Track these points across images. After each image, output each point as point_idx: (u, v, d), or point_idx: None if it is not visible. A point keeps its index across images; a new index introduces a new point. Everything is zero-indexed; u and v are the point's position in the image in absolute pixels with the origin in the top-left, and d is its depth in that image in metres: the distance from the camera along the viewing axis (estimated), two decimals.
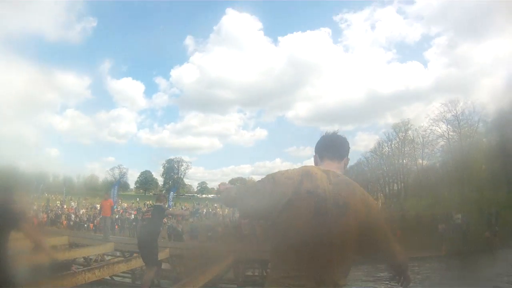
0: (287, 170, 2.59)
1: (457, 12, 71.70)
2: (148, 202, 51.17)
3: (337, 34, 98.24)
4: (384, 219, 2.70)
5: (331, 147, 2.82)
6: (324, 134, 2.92)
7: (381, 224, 2.57)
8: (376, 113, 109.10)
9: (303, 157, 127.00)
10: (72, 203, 46.52)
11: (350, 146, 2.95)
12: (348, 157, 2.89)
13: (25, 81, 68.53)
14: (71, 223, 31.11)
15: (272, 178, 2.51)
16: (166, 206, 43.85)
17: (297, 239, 2.28)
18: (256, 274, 14.37)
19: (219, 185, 3.19)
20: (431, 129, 66.99)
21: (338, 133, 2.89)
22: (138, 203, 49.84)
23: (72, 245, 13.89)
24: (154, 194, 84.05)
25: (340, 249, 2.30)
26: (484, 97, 61.76)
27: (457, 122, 62.71)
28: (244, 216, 2.79)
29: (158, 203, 6.71)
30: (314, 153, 2.97)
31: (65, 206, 39.22)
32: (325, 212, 2.30)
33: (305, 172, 2.48)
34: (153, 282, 6.85)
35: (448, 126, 64.09)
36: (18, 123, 78.60)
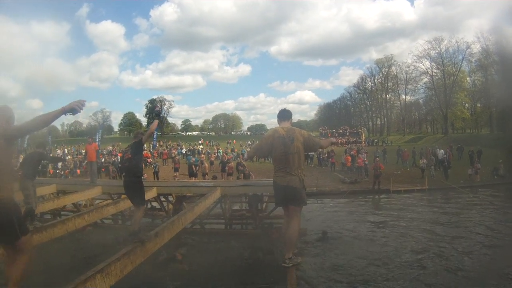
0: (267, 133, 6.15)
1: None
2: None
3: None
4: (308, 134, 5.95)
5: (283, 115, 5.96)
6: (280, 110, 6.05)
7: (309, 137, 5.83)
8: (360, 48, 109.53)
9: (287, 91, 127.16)
10: (58, 151, 46.34)
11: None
12: (292, 119, 6.04)
13: (3, 35, 66.65)
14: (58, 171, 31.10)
15: (264, 138, 5.91)
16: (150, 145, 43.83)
17: (278, 155, 5.57)
18: (243, 208, 14.70)
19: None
20: (414, 66, 68.06)
21: (286, 108, 6.12)
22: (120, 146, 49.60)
23: (61, 193, 13.99)
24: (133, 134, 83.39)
25: (297, 155, 5.55)
26: (469, 37, 61.83)
27: (441, 59, 63.33)
28: (259, 157, 8.16)
29: (134, 141, 6.71)
30: (276, 118, 6.10)
31: (51, 155, 39.04)
32: (286, 142, 5.54)
33: (274, 130, 5.79)
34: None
35: (432, 63, 64.96)
36: None
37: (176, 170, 29.35)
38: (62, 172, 30.64)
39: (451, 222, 15.38)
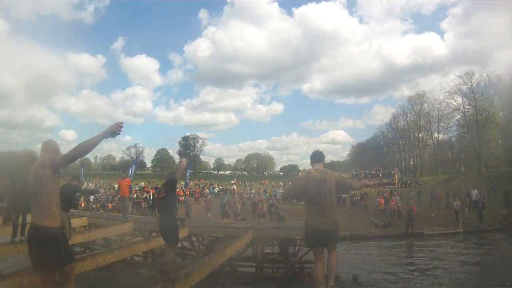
0: (301, 174, 6.48)
1: None
2: None
3: (351, 3, 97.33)
4: (340, 176, 6.24)
5: (316, 157, 6.09)
6: (313, 151, 6.18)
7: (341, 179, 6.10)
8: (392, 86, 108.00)
9: (319, 130, 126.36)
10: (90, 184, 46.89)
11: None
12: (324, 160, 6.13)
13: (40, 64, 69.52)
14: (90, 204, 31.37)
15: (297, 180, 6.18)
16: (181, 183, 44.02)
17: (311, 197, 5.68)
18: (275, 251, 14.39)
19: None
20: (446, 102, 65.74)
21: (319, 150, 6.21)
22: (156, 183, 50.02)
23: (92, 226, 13.99)
24: (166, 173, 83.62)
25: (330, 197, 5.67)
26: (500, 69, 60.31)
27: (472, 95, 61.24)
28: (292, 198, 7.58)
29: (168, 179, 6.79)
30: (310, 160, 6.20)
31: (83, 187, 39.42)
32: (318, 184, 5.63)
33: (307, 172, 5.95)
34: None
35: (464, 99, 62.73)
36: (33, 107, 79.98)
37: (208, 209, 29.36)
38: (94, 206, 30.84)
39: (490, 265, 14.87)
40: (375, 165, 67.58)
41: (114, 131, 4.25)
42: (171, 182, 6.70)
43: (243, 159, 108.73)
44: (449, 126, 69.24)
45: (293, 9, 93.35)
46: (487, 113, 59.77)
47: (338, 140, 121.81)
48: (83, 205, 30.25)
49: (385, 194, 32.92)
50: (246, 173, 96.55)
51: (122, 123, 4.31)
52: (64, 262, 4.27)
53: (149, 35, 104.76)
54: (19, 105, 73.69)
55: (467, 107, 63.18)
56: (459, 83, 62.79)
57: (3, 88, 67.88)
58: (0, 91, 67.79)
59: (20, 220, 9.71)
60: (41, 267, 4.40)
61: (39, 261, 4.29)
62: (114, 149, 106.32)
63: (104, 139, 4.27)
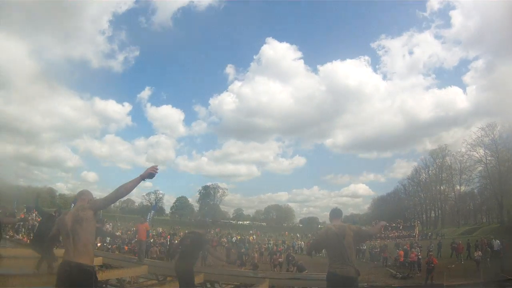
0: (321, 231, 9.40)
1: (494, 34, 69.44)
2: None
3: (375, 61, 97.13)
4: (357, 228, 6.91)
5: (335, 214, 7.00)
6: (332, 209, 7.12)
7: (357, 229, 6.77)
8: (414, 140, 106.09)
9: (341, 184, 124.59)
10: (107, 225, 46.83)
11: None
12: (342, 216, 7.14)
13: (67, 107, 71.38)
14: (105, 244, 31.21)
15: (319, 236, 8.09)
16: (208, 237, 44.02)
17: (332, 247, 6.41)
18: None
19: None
20: (468, 155, 64.92)
21: (337, 207, 7.18)
22: (178, 230, 49.96)
23: (106, 266, 13.80)
24: (194, 220, 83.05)
25: (349, 249, 6.30)
26: None
27: (494, 146, 60.51)
28: (316, 252, 8.21)
29: (199, 231, 6.86)
30: (329, 215, 7.15)
31: (106, 230, 39.38)
32: (338, 237, 6.35)
33: (327, 228, 6.89)
34: None
35: (486, 151, 61.94)
36: (58, 147, 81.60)
37: (227, 255, 28.97)
38: (110, 246, 30.64)
39: None
40: (396, 218, 66.70)
41: (152, 173, 4.81)
42: (200, 242, 6.87)
43: (263, 210, 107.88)
44: (471, 178, 67.97)
45: (318, 66, 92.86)
46: (510, 163, 58.77)
47: (359, 193, 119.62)
48: (99, 245, 30.08)
49: (405, 246, 32.70)
50: (265, 224, 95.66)
51: (157, 166, 4.86)
52: None
53: (176, 86, 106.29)
54: (44, 143, 75.35)
55: (489, 158, 62.09)
56: (481, 135, 62.09)
57: (31, 126, 69.84)
58: (28, 128, 69.38)
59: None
60: None
61: None
62: (134, 193, 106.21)
63: (143, 181, 4.85)
